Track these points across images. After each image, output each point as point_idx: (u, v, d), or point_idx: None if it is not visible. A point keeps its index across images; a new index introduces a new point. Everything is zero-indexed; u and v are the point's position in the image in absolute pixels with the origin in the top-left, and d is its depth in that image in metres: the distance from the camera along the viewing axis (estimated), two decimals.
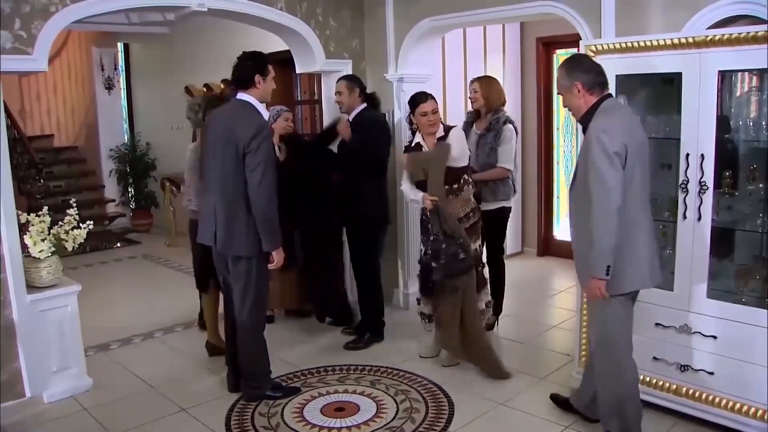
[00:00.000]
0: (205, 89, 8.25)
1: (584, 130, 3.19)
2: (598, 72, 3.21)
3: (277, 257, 3.84)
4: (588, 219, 3.08)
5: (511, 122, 4.86)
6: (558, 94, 3.36)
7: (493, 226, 4.88)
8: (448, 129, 4.40)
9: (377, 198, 4.81)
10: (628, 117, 3.22)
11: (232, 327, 4.04)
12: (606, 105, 3.16)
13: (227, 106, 3.95)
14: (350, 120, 4.84)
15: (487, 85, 4.92)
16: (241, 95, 3.83)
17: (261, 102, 3.85)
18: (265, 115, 3.85)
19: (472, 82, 5.03)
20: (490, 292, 4.62)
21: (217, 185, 3.80)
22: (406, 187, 4.50)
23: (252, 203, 3.69)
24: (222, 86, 8.24)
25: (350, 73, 5.42)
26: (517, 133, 4.91)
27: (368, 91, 4.99)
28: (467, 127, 4.98)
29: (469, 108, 5.27)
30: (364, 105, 4.86)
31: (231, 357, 4.14)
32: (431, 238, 4.28)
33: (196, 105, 4.72)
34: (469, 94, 5.03)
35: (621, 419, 3.33)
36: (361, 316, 5.07)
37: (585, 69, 3.19)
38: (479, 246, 4.50)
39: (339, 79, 4.95)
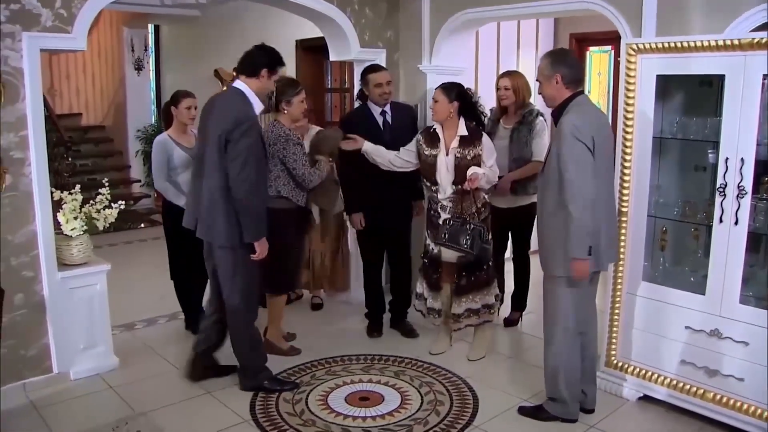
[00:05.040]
0: (234, 73, 8.24)
1: (556, 121, 3.43)
2: (579, 69, 3.54)
3: (260, 249, 3.76)
4: (556, 205, 3.36)
5: (542, 115, 4.81)
6: (537, 80, 3.57)
7: (523, 221, 4.85)
8: (473, 131, 4.30)
9: None
10: (597, 113, 3.50)
11: (220, 316, 4.03)
12: (579, 101, 3.41)
13: (223, 92, 3.91)
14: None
15: (516, 80, 4.82)
16: (239, 83, 3.77)
17: (257, 95, 3.78)
18: (257, 107, 3.78)
19: (501, 78, 4.88)
20: (498, 286, 4.59)
21: (202, 171, 3.75)
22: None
23: (232, 194, 3.63)
24: (233, 74, 8.19)
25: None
26: (547, 126, 4.85)
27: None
28: (493, 125, 4.89)
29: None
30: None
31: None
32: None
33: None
34: (498, 91, 4.84)
35: (555, 390, 3.63)
36: (404, 302, 5.06)
37: (568, 64, 3.43)
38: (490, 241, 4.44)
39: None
